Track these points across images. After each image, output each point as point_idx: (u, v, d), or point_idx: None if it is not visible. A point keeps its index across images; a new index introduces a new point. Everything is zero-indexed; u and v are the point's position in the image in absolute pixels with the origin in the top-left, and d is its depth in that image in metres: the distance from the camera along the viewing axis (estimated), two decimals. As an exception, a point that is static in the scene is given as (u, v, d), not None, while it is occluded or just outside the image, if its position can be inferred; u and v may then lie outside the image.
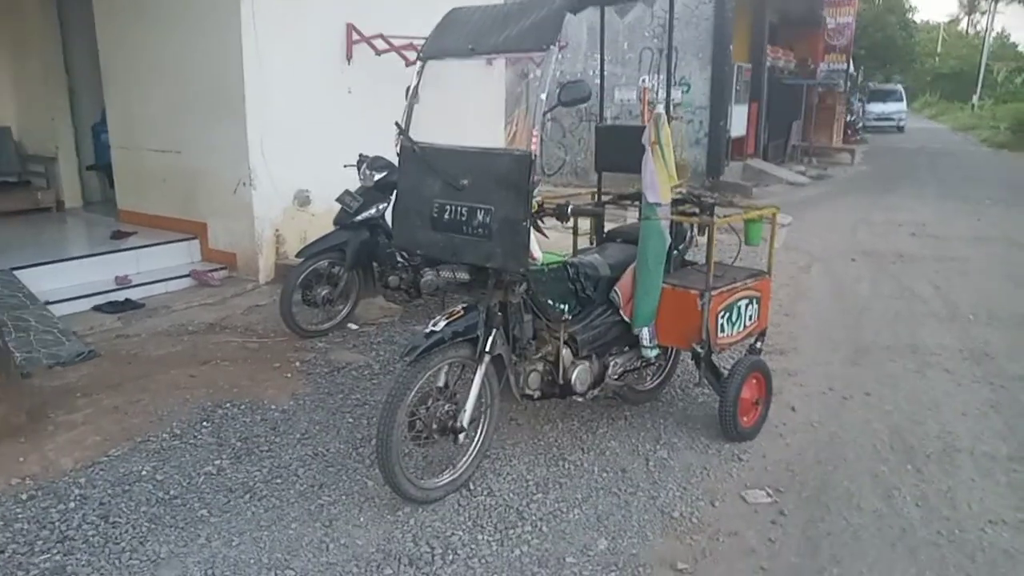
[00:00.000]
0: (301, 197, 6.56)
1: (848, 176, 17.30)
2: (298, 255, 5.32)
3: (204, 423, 3.96)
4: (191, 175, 6.64)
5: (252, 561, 2.86)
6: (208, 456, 3.63)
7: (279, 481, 3.42)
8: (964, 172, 18.14)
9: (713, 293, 3.67)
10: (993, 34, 52.61)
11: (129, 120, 7.10)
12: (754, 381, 3.96)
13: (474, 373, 3.28)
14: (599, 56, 4.58)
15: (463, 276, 3.23)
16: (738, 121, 15.03)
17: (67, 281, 5.80)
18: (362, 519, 3.16)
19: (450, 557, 2.92)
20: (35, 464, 3.49)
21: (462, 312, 3.22)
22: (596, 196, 4.46)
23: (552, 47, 2.93)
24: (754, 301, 4.00)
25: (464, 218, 3.15)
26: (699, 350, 3.73)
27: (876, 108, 32.18)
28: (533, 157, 2.95)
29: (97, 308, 5.65)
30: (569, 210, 3.30)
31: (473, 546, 2.99)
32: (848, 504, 3.36)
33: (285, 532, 3.05)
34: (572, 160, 14.34)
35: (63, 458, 3.55)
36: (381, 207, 5.38)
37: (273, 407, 4.18)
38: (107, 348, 4.90)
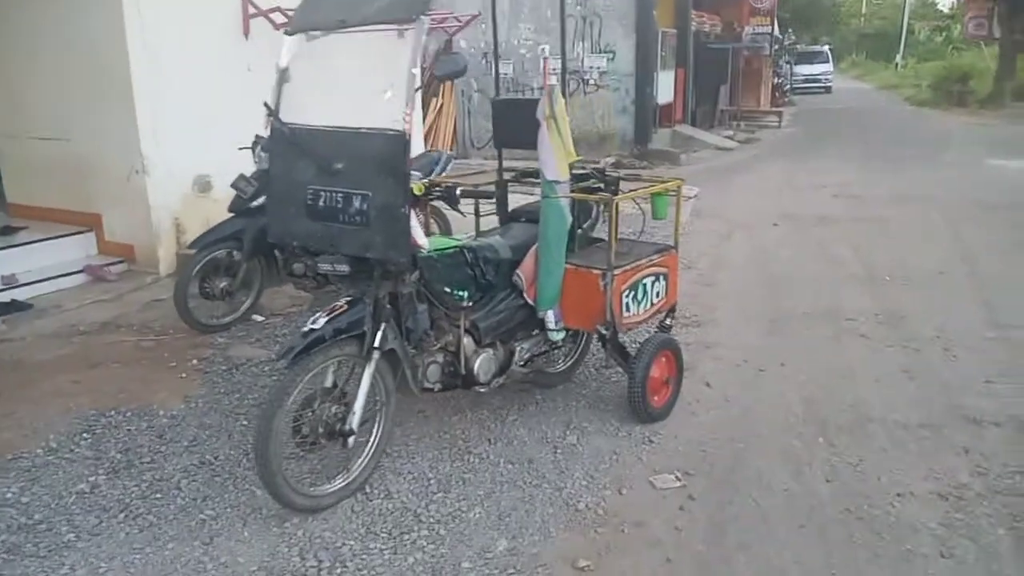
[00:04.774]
0: (201, 183, 6.19)
1: (776, 139, 17.45)
2: (191, 246, 5.00)
3: (84, 434, 3.66)
4: (82, 163, 6.20)
5: (119, 590, 2.63)
6: (83, 472, 3.34)
7: (158, 496, 3.17)
8: (888, 131, 18.48)
9: (616, 272, 3.51)
10: (915, -6, 53.79)
11: (11, 106, 6.59)
12: (664, 359, 3.83)
13: (363, 371, 3.07)
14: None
15: (342, 268, 2.99)
16: (665, 88, 14.92)
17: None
18: (246, 533, 2.94)
19: (338, 570, 2.73)
20: None
21: (345, 307, 2.99)
22: (498, 174, 4.25)
23: (422, 18, 2.70)
24: (661, 277, 3.87)
25: (340, 205, 2.92)
26: (604, 331, 3.59)
27: (804, 70, 32.62)
28: (408, 137, 2.73)
29: (-22, 313, 5.24)
30: (457, 193, 3.09)
31: (364, 556, 2.80)
32: (758, 484, 3.27)
33: (160, 554, 2.81)
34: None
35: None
36: (280, 191, 5.08)
37: (162, 412, 3.90)
38: (-15, 355, 4.54)
